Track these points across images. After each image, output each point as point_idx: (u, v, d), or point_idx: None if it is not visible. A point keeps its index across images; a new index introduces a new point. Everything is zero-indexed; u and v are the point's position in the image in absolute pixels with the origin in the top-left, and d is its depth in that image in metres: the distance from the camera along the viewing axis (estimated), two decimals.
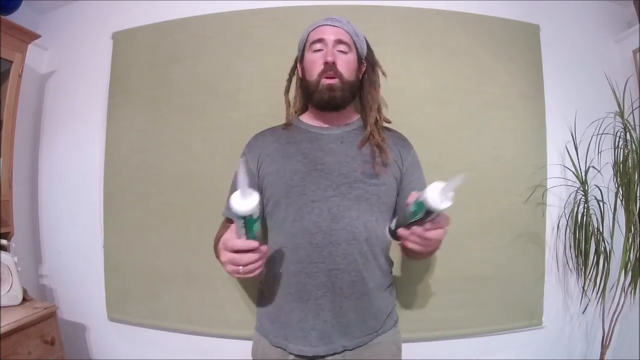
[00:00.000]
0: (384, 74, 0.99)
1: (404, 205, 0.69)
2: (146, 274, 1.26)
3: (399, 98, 1.17)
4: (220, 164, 1.19)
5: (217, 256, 0.78)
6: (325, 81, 0.86)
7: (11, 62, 1.22)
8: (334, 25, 0.89)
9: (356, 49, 0.92)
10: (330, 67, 0.85)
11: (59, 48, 1.46)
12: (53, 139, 1.44)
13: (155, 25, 1.31)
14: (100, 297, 1.31)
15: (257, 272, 0.68)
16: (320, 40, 0.88)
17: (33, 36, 1.28)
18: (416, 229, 0.66)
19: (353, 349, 0.84)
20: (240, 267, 0.66)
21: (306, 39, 0.92)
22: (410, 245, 0.69)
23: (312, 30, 0.91)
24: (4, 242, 1.21)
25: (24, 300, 1.20)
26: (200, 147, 1.23)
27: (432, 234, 0.65)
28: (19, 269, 1.19)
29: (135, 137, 1.29)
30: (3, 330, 1.01)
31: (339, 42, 0.88)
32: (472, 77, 1.23)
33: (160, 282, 1.25)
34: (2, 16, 1.16)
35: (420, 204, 0.61)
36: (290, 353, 0.83)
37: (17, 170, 1.30)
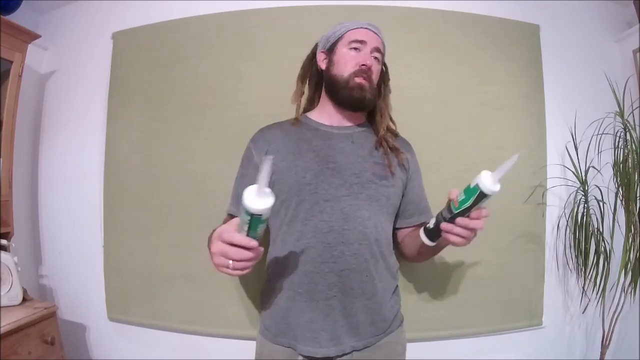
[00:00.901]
0: (390, 91, 1.00)
1: (446, 204, 0.71)
2: (146, 274, 1.26)
3: (399, 98, 1.16)
4: (220, 164, 1.19)
5: (209, 246, 0.71)
6: (357, 79, 0.86)
7: (11, 62, 1.22)
8: (375, 32, 0.90)
9: (383, 59, 0.94)
10: (365, 71, 0.86)
11: (59, 48, 1.46)
12: (53, 139, 1.44)
13: (155, 25, 1.31)
14: (100, 297, 1.31)
15: (246, 271, 0.63)
16: (362, 42, 0.88)
17: (33, 36, 1.28)
18: (462, 219, 0.67)
19: (361, 349, 0.83)
20: (231, 262, 0.61)
21: (343, 35, 0.90)
22: (453, 239, 0.70)
23: (353, 29, 0.90)
24: (4, 242, 1.21)
25: (24, 300, 1.20)
26: (200, 147, 1.23)
27: (477, 223, 0.67)
28: (19, 269, 1.19)
29: (135, 137, 1.29)
30: (3, 330, 1.01)
31: (377, 49, 0.89)
32: (472, 77, 1.23)
33: (160, 282, 1.25)
34: (2, 16, 1.16)
35: (472, 190, 0.64)
36: (300, 354, 0.83)
37: (17, 170, 1.30)
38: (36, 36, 1.29)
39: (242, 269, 0.62)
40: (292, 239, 0.84)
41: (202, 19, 1.28)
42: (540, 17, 1.30)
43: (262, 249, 0.63)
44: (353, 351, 0.83)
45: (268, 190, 0.57)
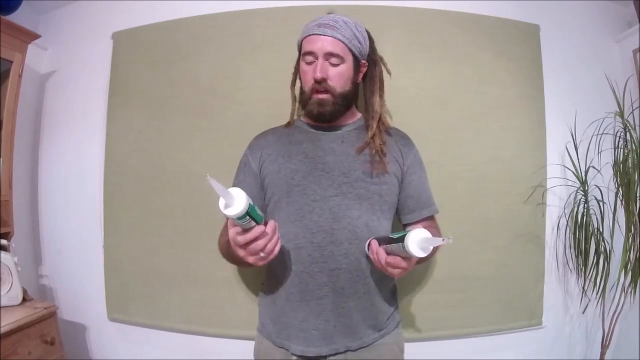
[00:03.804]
0: (388, 72, 0.97)
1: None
2: (146, 274, 1.26)
3: (399, 98, 1.17)
4: (220, 164, 1.18)
5: (227, 254, 0.81)
6: (317, 96, 0.85)
7: (11, 62, 1.22)
8: (326, 35, 0.83)
9: (352, 53, 0.86)
10: (321, 84, 0.84)
11: (59, 48, 1.46)
12: (53, 139, 1.44)
13: (156, 25, 1.31)
14: (100, 297, 1.31)
15: (278, 248, 0.69)
16: (310, 53, 0.85)
17: (33, 36, 1.28)
18: (381, 253, 0.71)
19: (356, 349, 0.84)
20: (261, 253, 0.66)
21: (301, 45, 0.89)
22: (374, 261, 0.75)
23: (304, 38, 0.87)
24: (4, 242, 1.21)
25: (24, 300, 1.20)
26: (200, 147, 1.23)
27: (387, 265, 0.70)
28: (19, 269, 1.19)
29: (135, 137, 1.29)
30: (3, 330, 1.01)
31: (330, 54, 0.83)
32: (472, 77, 1.23)
33: (160, 282, 1.25)
34: (2, 16, 1.16)
35: (402, 239, 0.63)
36: (293, 353, 0.83)
37: (17, 170, 1.29)
38: (36, 36, 1.29)
39: (273, 250, 0.68)
40: (284, 240, 0.83)
41: (202, 19, 1.28)
42: (540, 17, 1.30)
43: (272, 222, 0.68)
44: (347, 351, 0.83)
45: (230, 191, 0.58)
